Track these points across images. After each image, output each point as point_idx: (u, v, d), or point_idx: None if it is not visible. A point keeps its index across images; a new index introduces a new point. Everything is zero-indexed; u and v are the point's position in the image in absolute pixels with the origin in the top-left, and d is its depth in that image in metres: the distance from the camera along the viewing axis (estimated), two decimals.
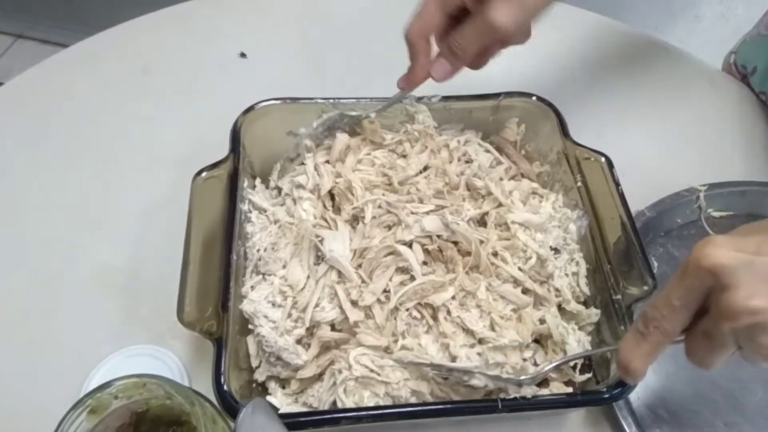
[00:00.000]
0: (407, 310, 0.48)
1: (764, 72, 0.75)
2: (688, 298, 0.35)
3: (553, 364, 0.46)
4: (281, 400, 0.47)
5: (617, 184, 0.53)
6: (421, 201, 0.53)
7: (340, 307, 0.47)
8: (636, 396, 0.52)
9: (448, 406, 0.44)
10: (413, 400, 0.46)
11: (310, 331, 0.48)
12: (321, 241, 0.50)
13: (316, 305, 0.48)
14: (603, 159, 0.54)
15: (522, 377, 0.45)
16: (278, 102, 0.58)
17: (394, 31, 0.84)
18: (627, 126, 0.73)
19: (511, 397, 0.44)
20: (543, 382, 0.48)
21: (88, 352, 0.52)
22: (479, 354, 0.47)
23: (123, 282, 0.57)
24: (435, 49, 0.52)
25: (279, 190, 0.57)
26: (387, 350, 0.47)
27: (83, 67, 0.76)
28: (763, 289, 0.32)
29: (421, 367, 0.46)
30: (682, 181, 0.64)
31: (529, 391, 0.45)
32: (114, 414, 0.38)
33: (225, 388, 0.41)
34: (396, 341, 0.47)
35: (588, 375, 0.48)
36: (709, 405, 0.52)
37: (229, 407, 0.40)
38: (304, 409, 0.47)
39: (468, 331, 0.48)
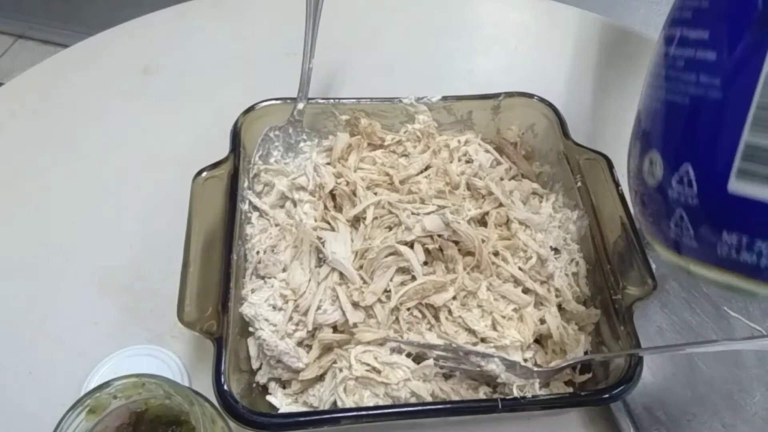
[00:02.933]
0: (408, 309, 0.48)
1: None
2: None
3: (570, 362, 0.47)
4: (281, 400, 0.47)
5: (617, 185, 0.53)
6: (422, 201, 0.54)
7: (342, 309, 0.48)
8: (634, 398, 0.52)
9: (448, 406, 0.44)
10: (413, 400, 0.46)
11: (312, 333, 0.48)
12: (323, 243, 0.50)
13: (318, 308, 0.48)
14: (603, 159, 0.54)
15: (537, 369, 0.46)
16: (278, 102, 0.58)
17: (394, 32, 0.84)
18: (627, 126, 0.73)
19: (511, 397, 0.44)
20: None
21: (88, 352, 0.52)
22: None
23: (123, 282, 0.57)
24: None
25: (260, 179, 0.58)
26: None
27: (83, 67, 0.76)
28: None
29: (428, 357, 0.46)
30: None
31: (529, 391, 0.45)
32: (113, 414, 0.38)
33: (225, 387, 0.41)
34: (401, 337, 0.47)
35: (588, 375, 0.48)
36: (707, 407, 0.52)
37: (229, 407, 0.40)
38: (305, 409, 0.47)
39: (470, 331, 0.48)
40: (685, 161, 0.28)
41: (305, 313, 0.48)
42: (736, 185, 0.25)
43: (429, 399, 0.46)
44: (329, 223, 0.53)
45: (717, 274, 0.28)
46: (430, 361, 0.46)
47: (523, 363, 0.46)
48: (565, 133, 0.57)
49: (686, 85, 0.27)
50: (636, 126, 0.34)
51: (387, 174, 0.56)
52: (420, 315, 0.48)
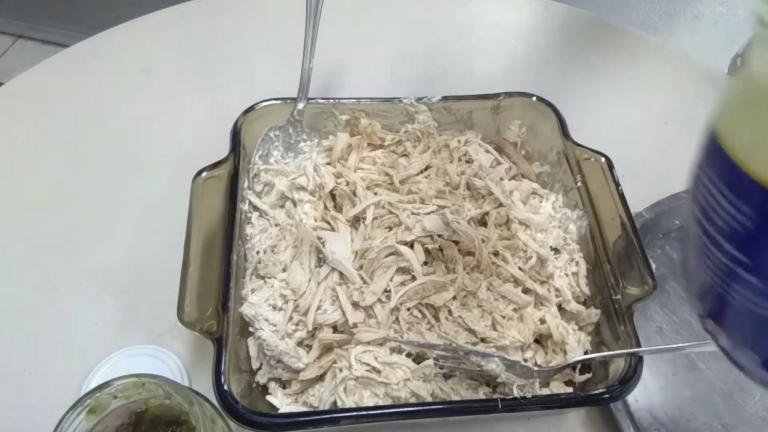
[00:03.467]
0: (408, 309, 0.48)
1: None
2: None
3: (570, 362, 0.47)
4: (281, 400, 0.47)
5: (617, 185, 0.53)
6: (422, 201, 0.54)
7: (342, 309, 0.48)
8: (634, 398, 0.52)
9: (448, 406, 0.44)
10: (413, 400, 0.46)
11: (312, 333, 0.48)
12: (323, 243, 0.50)
13: (318, 308, 0.48)
14: (603, 159, 0.55)
15: (537, 369, 0.46)
16: (278, 102, 0.58)
17: (394, 32, 0.84)
18: (627, 126, 0.73)
19: (511, 397, 0.44)
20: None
21: (88, 352, 0.51)
22: None
23: (123, 282, 0.57)
24: None
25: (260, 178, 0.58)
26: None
27: (83, 67, 0.76)
28: None
29: (428, 356, 0.46)
30: (680, 182, 0.64)
31: (529, 391, 0.45)
32: (113, 414, 0.38)
33: (225, 387, 0.41)
34: (401, 337, 0.47)
35: (588, 375, 0.48)
36: (707, 407, 0.52)
37: (229, 407, 0.40)
38: (305, 409, 0.47)
39: (470, 331, 0.48)
40: (747, 348, 0.26)
41: (305, 313, 0.48)
42: None
43: (429, 399, 0.46)
44: (329, 223, 0.53)
45: None
46: (430, 361, 0.46)
47: (523, 363, 0.46)
48: (565, 133, 0.57)
49: (733, 290, 0.24)
50: (684, 273, 0.29)
51: (387, 174, 0.56)
52: (420, 315, 0.48)
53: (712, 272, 0.25)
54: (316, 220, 0.53)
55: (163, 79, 0.75)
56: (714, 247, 0.24)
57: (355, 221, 0.53)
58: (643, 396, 0.52)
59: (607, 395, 0.43)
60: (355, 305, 0.48)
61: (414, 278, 0.49)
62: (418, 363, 0.46)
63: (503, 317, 0.49)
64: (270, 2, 0.84)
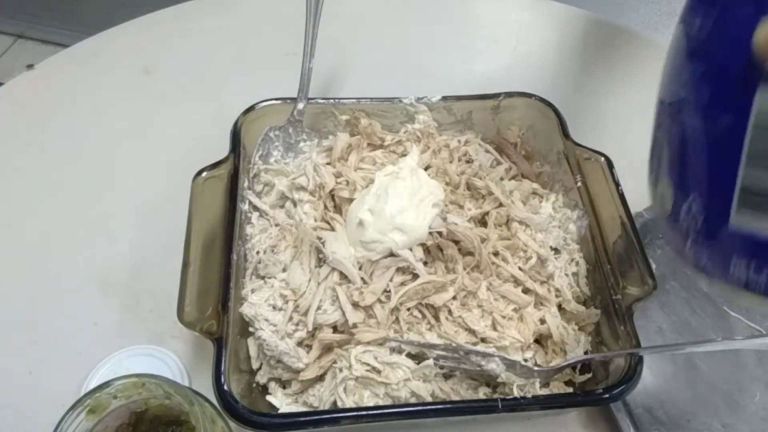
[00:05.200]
0: (408, 309, 0.48)
1: None
2: None
3: (571, 362, 0.47)
4: (281, 400, 0.47)
5: (617, 185, 0.53)
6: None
7: (342, 309, 0.48)
8: (634, 398, 0.52)
9: (448, 406, 0.44)
10: (413, 400, 0.46)
11: (312, 333, 0.48)
12: (323, 243, 0.50)
13: (318, 308, 0.48)
14: (603, 159, 0.54)
15: (537, 369, 0.46)
16: (278, 102, 0.58)
17: (394, 32, 0.84)
18: (627, 126, 0.73)
19: (511, 397, 0.44)
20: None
21: (88, 352, 0.52)
22: None
23: (123, 282, 0.57)
24: None
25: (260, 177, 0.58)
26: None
27: (83, 67, 0.76)
28: None
29: (428, 356, 0.46)
30: None
31: (529, 391, 0.45)
32: (113, 414, 0.38)
33: (225, 387, 0.41)
34: (401, 337, 0.47)
35: (588, 375, 0.48)
36: (707, 407, 0.52)
37: (229, 407, 0.40)
38: (305, 409, 0.47)
39: (470, 331, 0.48)
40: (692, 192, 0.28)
41: (305, 313, 0.48)
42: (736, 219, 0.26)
43: (429, 399, 0.46)
44: (329, 223, 0.53)
45: (737, 292, 0.29)
46: (430, 361, 0.46)
47: (523, 363, 0.46)
48: (565, 133, 0.57)
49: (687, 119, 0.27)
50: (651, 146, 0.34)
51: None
52: (420, 315, 0.48)
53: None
54: (316, 220, 0.53)
55: (163, 79, 0.75)
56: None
57: None
58: (643, 396, 0.52)
59: (607, 395, 0.43)
60: (355, 305, 0.48)
61: (414, 278, 0.49)
62: (418, 363, 0.46)
63: (503, 317, 0.49)
64: (270, 2, 0.84)
